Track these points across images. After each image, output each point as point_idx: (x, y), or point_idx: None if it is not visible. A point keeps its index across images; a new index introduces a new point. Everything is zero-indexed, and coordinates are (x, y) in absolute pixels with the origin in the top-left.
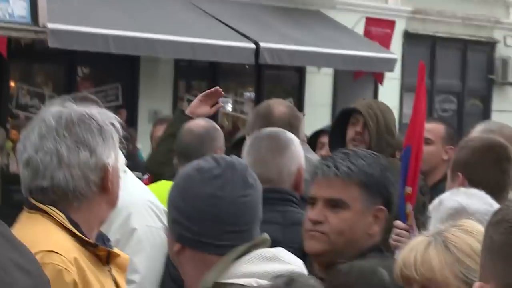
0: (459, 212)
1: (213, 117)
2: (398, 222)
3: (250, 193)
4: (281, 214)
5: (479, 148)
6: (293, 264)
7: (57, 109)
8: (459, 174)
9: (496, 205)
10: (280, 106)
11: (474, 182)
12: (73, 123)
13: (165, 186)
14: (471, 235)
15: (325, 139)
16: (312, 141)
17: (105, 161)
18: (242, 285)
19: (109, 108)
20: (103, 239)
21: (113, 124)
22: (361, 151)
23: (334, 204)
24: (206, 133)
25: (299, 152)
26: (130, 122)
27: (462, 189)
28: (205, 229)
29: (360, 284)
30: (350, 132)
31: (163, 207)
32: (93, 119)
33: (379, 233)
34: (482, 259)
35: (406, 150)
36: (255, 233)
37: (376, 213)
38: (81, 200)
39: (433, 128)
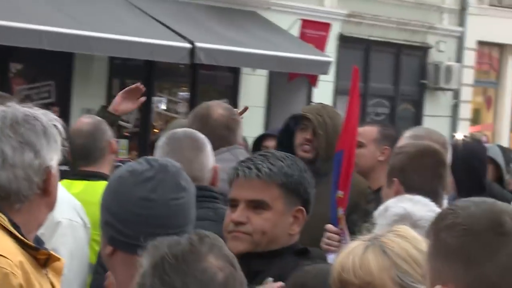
0: (404, 219)
1: (146, 116)
2: (330, 226)
3: (183, 195)
4: (212, 211)
5: (414, 154)
6: None
7: (1, 109)
8: (395, 179)
9: None
10: (218, 108)
11: (409, 187)
12: (18, 123)
13: (63, 184)
14: (407, 240)
15: (269, 143)
16: (256, 145)
17: (48, 164)
18: None
19: (41, 105)
20: (38, 241)
21: (56, 126)
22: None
23: (256, 205)
24: (96, 129)
25: (211, 151)
26: (63, 120)
27: (407, 196)
28: (137, 232)
29: (315, 283)
30: (299, 138)
31: (79, 204)
32: (38, 120)
33: (298, 233)
34: (437, 263)
35: (338, 154)
36: None
37: (295, 214)
38: (23, 202)
39: (365, 131)
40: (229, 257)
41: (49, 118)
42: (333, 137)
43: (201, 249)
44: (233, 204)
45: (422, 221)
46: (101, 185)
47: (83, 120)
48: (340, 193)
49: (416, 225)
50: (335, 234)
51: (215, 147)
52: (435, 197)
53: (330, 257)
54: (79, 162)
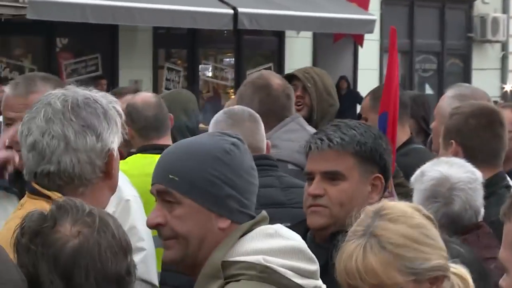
0: (442, 182)
1: (193, 84)
2: None
3: None
4: (276, 178)
5: (471, 114)
6: (293, 239)
7: (61, 92)
8: (452, 141)
9: (478, 173)
10: (274, 78)
11: (468, 148)
12: (79, 106)
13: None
14: (399, 222)
15: None
16: None
17: (110, 146)
18: (249, 262)
19: (89, 78)
20: None
21: (115, 108)
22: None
23: (332, 177)
24: (160, 101)
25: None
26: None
27: (443, 159)
28: (251, 202)
29: None
30: None
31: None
32: (98, 102)
33: (378, 201)
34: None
35: (382, 115)
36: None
37: (373, 182)
38: (86, 185)
39: None
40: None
41: (108, 100)
42: (323, 92)
43: (54, 220)
44: (310, 177)
45: (460, 183)
46: None
47: (146, 95)
48: None
49: (454, 187)
50: (385, 198)
51: (279, 117)
52: (494, 157)
53: None
54: (152, 134)
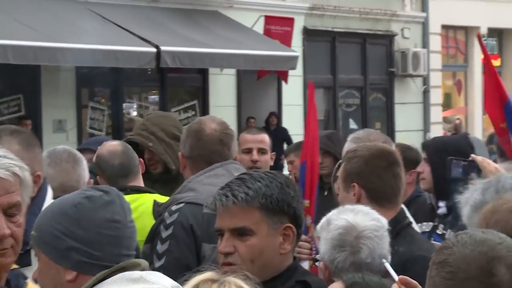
0: (349, 231)
1: (118, 123)
2: None
3: (132, 219)
4: None
5: (369, 156)
6: (158, 284)
7: None
8: (355, 184)
9: (383, 220)
10: (212, 123)
11: (370, 190)
12: None
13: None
14: None
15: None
16: None
17: None
18: None
19: (12, 119)
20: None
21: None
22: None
23: (240, 233)
24: (127, 149)
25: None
26: (35, 133)
27: (348, 207)
28: (106, 253)
29: None
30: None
31: None
32: None
33: (291, 251)
34: None
35: (302, 165)
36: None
37: (284, 232)
38: None
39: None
40: None
41: None
42: (171, 140)
43: None
44: (220, 233)
45: (366, 231)
46: (147, 197)
47: (113, 144)
48: (306, 202)
49: (361, 235)
50: (306, 242)
51: (210, 162)
52: (394, 196)
53: (303, 265)
54: (120, 181)
